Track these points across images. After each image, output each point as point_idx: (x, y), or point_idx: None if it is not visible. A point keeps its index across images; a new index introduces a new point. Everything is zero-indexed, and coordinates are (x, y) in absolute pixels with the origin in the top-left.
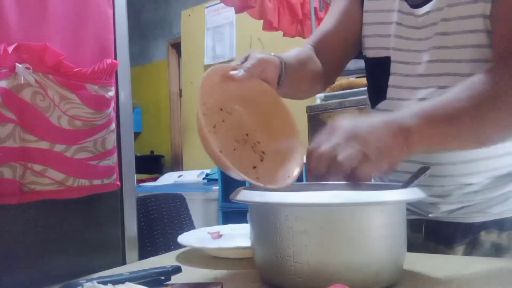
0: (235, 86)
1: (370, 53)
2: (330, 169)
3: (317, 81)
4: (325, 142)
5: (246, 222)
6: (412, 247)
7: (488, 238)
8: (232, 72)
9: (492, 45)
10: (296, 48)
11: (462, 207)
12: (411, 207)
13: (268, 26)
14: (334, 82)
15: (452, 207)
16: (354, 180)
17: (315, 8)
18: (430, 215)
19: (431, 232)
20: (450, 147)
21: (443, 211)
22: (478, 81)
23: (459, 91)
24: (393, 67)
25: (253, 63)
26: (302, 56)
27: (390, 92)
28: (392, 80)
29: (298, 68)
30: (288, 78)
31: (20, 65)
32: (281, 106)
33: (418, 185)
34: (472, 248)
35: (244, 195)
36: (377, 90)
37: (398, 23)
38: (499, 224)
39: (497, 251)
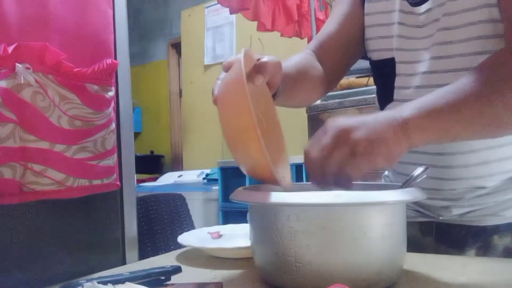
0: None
1: (374, 56)
2: (326, 175)
3: (317, 89)
4: (316, 145)
5: (246, 222)
6: (422, 249)
7: (501, 242)
8: (256, 78)
9: (504, 32)
10: (295, 56)
11: (474, 210)
12: (422, 209)
13: (262, 27)
14: (335, 86)
15: (463, 210)
16: (345, 181)
17: (314, 9)
18: (440, 218)
19: (442, 235)
20: (453, 135)
21: (454, 214)
22: (481, 70)
23: (460, 83)
24: (398, 68)
25: (273, 67)
26: (302, 64)
27: (397, 94)
28: (398, 81)
29: (297, 78)
30: (285, 90)
31: (20, 65)
32: (274, 113)
33: (419, 185)
34: (484, 252)
35: (244, 195)
36: (385, 93)
37: (400, 23)
38: None
39: (510, 255)
